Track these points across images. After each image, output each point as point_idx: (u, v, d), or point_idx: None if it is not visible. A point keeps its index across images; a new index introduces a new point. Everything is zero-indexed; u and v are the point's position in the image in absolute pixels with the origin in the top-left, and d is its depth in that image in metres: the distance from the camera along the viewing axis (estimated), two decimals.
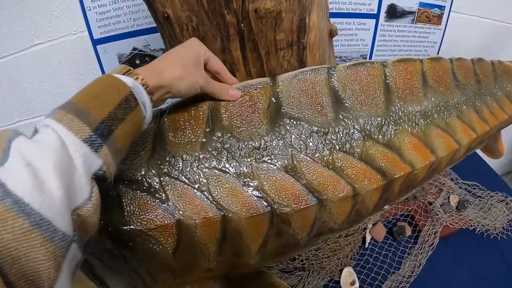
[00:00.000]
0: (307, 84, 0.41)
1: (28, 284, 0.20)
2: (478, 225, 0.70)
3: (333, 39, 0.54)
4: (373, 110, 0.43)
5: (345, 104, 0.42)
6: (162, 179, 0.36)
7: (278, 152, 0.38)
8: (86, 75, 0.75)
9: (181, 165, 0.37)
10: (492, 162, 0.84)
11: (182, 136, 0.38)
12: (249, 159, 0.38)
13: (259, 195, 0.36)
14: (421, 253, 0.65)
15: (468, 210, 0.73)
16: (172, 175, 0.36)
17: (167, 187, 0.36)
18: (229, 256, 0.39)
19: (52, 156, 0.23)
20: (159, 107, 0.40)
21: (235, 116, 0.39)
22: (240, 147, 0.38)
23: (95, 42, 0.70)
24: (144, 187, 0.36)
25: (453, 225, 0.69)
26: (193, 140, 0.38)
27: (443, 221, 0.69)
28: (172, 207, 0.35)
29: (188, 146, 0.38)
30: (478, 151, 0.66)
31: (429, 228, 0.68)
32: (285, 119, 0.40)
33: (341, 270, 0.61)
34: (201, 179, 0.36)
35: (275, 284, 0.47)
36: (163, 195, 0.36)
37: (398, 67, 0.45)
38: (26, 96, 0.76)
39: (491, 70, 0.54)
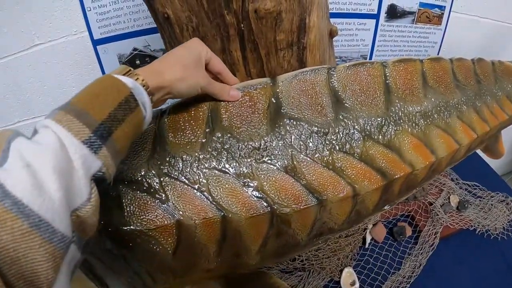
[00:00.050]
0: (307, 84, 0.41)
1: (27, 284, 0.20)
2: (478, 226, 0.70)
3: (333, 39, 0.54)
4: (373, 110, 0.43)
5: (345, 104, 0.42)
6: (162, 179, 0.36)
7: (278, 152, 0.38)
8: (86, 76, 0.75)
9: (181, 165, 0.37)
10: (492, 163, 0.84)
11: (182, 137, 0.38)
12: (249, 160, 0.38)
13: (259, 195, 0.36)
14: (422, 253, 0.65)
15: (469, 210, 0.73)
16: (172, 175, 0.36)
17: (167, 188, 0.36)
18: (229, 256, 0.39)
19: (51, 157, 0.23)
20: (159, 108, 0.40)
21: (235, 116, 0.39)
22: (240, 148, 0.38)
23: (96, 43, 0.70)
24: (144, 188, 0.36)
25: (454, 226, 0.69)
26: (193, 140, 0.38)
27: (443, 221, 0.69)
28: (172, 208, 0.35)
29: (188, 147, 0.38)
30: (479, 151, 0.66)
31: (429, 229, 0.68)
32: (285, 120, 0.40)
33: (341, 271, 0.61)
34: (201, 179, 0.36)
35: (275, 284, 0.47)
36: (163, 195, 0.36)
37: (398, 68, 0.45)
38: (26, 96, 0.76)
39: (491, 70, 0.54)
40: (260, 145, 0.38)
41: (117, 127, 0.28)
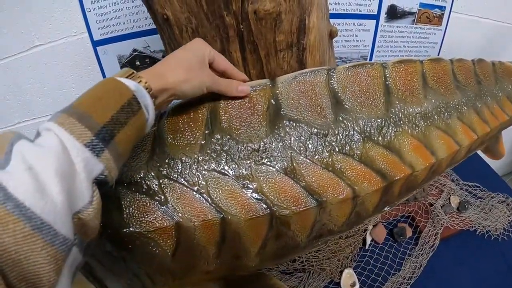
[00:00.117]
0: (306, 85, 0.41)
1: (29, 286, 0.21)
2: (479, 226, 0.70)
3: (333, 40, 0.54)
4: (373, 111, 0.42)
5: (345, 105, 0.42)
6: (161, 181, 0.36)
7: (277, 154, 0.38)
8: (86, 77, 0.75)
9: (180, 167, 0.37)
10: (493, 163, 0.84)
11: (181, 138, 0.38)
12: (248, 161, 0.37)
13: (258, 197, 0.36)
14: (422, 254, 0.64)
15: (469, 211, 0.72)
16: (171, 177, 0.36)
17: (166, 189, 0.36)
18: (228, 258, 0.38)
19: (53, 160, 0.23)
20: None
21: (234, 118, 0.39)
22: (239, 149, 0.38)
23: (95, 44, 0.70)
24: (143, 189, 0.36)
25: (454, 226, 0.69)
26: (192, 142, 0.38)
27: (443, 222, 0.69)
28: (171, 210, 0.35)
29: (187, 148, 0.37)
30: (479, 152, 0.66)
31: (429, 229, 0.68)
32: (284, 121, 0.40)
33: (341, 272, 0.61)
34: (200, 181, 0.36)
35: (274, 286, 0.47)
36: (162, 197, 0.36)
37: (398, 68, 0.45)
38: (26, 97, 0.76)
39: (491, 71, 0.54)
40: (260, 146, 0.38)
41: (120, 130, 0.28)
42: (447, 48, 0.92)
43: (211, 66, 0.39)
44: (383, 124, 0.42)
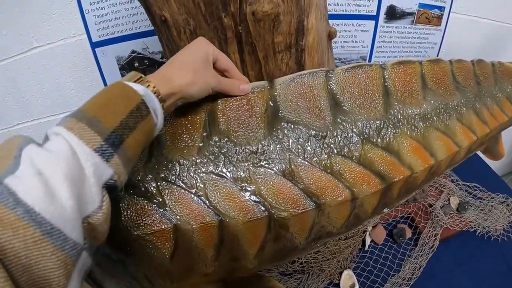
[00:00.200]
0: (305, 87, 0.41)
1: None
2: (478, 227, 0.70)
3: (333, 40, 0.54)
4: (371, 113, 0.42)
5: (344, 107, 0.42)
6: (159, 183, 0.36)
7: (275, 156, 0.38)
8: (85, 78, 0.75)
9: (178, 169, 0.36)
10: (492, 163, 0.84)
11: (179, 141, 0.38)
12: (246, 164, 0.37)
13: (257, 199, 0.36)
14: (422, 255, 0.64)
15: (469, 212, 0.72)
16: (169, 179, 0.36)
17: (164, 192, 0.36)
18: (227, 260, 0.38)
19: (63, 165, 0.23)
20: None
21: (232, 120, 0.39)
22: (237, 152, 0.38)
23: (94, 45, 0.70)
24: (141, 192, 0.36)
25: (454, 227, 0.69)
26: (190, 144, 0.38)
27: (443, 223, 0.68)
28: (169, 212, 0.35)
29: (185, 151, 0.37)
30: (479, 152, 0.65)
31: (429, 230, 0.68)
32: (282, 123, 0.40)
33: (340, 273, 0.61)
34: (198, 183, 0.36)
35: None
36: (160, 200, 0.35)
37: (397, 70, 0.45)
38: (25, 99, 0.76)
39: (491, 72, 0.54)
40: (258, 149, 0.38)
41: (129, 135, 0.28)
42: (446, 49, 0.92)
43: (214, 65, 0.39)
44: (382, 126, 0.42)
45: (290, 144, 0.39)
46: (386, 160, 0.41)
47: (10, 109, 0.77)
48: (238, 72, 0.41)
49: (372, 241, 0.67)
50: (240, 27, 0.42)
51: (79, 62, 0.73)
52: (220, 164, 0.37)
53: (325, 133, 0.40)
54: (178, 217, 0.35)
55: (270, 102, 0.40)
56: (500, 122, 0.51)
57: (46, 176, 0.22)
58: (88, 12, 0.67)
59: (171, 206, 0.35)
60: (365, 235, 0.67)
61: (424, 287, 0.61)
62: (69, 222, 0.22)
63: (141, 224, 0.35)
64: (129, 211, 0.35)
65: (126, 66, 0.74)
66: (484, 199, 0.76)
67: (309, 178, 0.38)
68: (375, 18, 0.81)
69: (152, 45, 0.73)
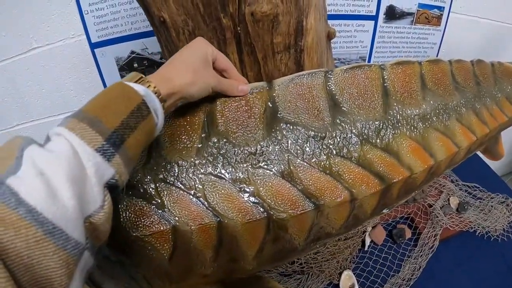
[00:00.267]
0: (303, 88, 0.41)
1: None
2: (478, 227, 0.70)
3: (332, 41, 0.54)
4: (371, 114, 0.42)
5: (343, 108, 0.42)
6: (157, 185, 0.36)
7: (274, 157, 0.38)
8: (84, 79, 0.75)
9: (176, 171, 0.36)
10: (492, 164, 0.84)
11: (178, 142, 0.38)
12: (245, 165, 0.37)
13: (255, 201, 0.36)
14: (421, 255, 0.64)
15: (469, 212, 0.72)
16: (168, 181, 0.36)
17: (163, 193, 0.36)
18: (226, 262, 0.38)
19: (64, 165, 0.23)
20: None
21: (231, 121, 0.39)
22: (236, 153, 0.38)
23: (93, 46, 0.70)
24: (140, 193, 0.36)
25: (453, 227, 0.69)
26: (188, 145, 0.38)
27: (443, 223, 0.68)
28: (168, 213, 0.35)
29: (183, 152, 0.37)
30: (478, 152, 0.65)
31: (429, 231, 0.68)
32: (281, 124, 0.40)
33: (340, 274, 0.61)
34: (196, 185, 0.36)
35: None
36: (159, 201, 0.35)
37: (396, 70, 0.45)
38: (24, 99, 0.76)
39: (490, 72, 0.53)
40: (256, 150, 0.38)
41: (130, 134, 0.28)
42: (446, 49, 0.92)
43: (212, 65, 0.39)
44: (381, 127, 0.42)
45: (289, 145, 0.39)
46: (385, 160, 0.41)
47: (9, 109, 0.77)
48: (236, 73, 0.41)
49: (371, 241, 0.67)
50: (239, 28, 0.42)
51: (79, 62, 0.73)
52: (219, 165, 0.37)
53: (324, 134, 0.40)
54: (176, 218, 0.35)
55: (269, 103, 0.40)
56: (499, 122, 0.51)
57: (48, 176, 0.22)
58: (87, 13, 0.67)
59: (169, 207, 0.35)
60: (365, 235, 0.67)
61: None
62: (71, 221, 0.22)
63: (140, 225, 0.35)
64: (127, 212, 0.35)
65: (125, 67, 0.74)
66: (484, 199, 0.76)
67: (308, 179, 0.38)
68: (375, 18, 0.81)
69: (151, 46, 0.73)
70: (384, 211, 0.46)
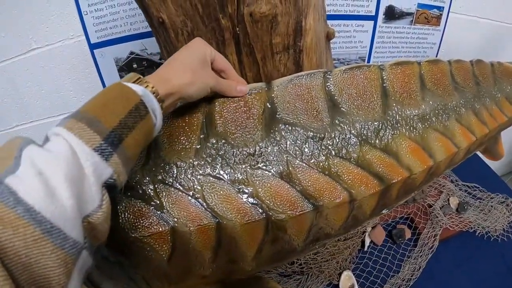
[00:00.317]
0: (302, 89, 0.41)
1: None
2: (478, 227, 0.70)
3: (331, 41, 0.54)
4: (370, 114, 0.42)
5: (342, 108, 0.42)
6: (156, 186, 0.36)
7: (273, 158, 0.38)
8: (83, 80, 0.75)
9: (175, 172, 0.36)
10: (492, 163, 0.84)
11: (177, 143, 0.38)
12: (243, 166, 0.37)
13: (254, 201, 0.36)
14: (421, 256, 0.64)
15: (468, 212, 0.72)
16: (167, 182, 0.36)
17: (162, 194, 0.36)
18: (225, 262, 0.38)
19: (63, 165, 0.23)
20: None
21: (229, 122, 0.39)
22: (234, 154, 0.38)
23: (92, 47, 0.70)
24: (139, 194, 0.36)
25: (453, 228, 0.69)
26: (187, 146, 0.38)
27: (443, 223, 0.68)
28: (166, 214, 0.35)
29: (182, 153, 0.37)
30: (478, 152, 0.65)
31: (429, 231, 0.68)
32: (280, 125, 0.40)
33: (340, 274, 0.61)
34: (195, 186, 0.36)
35: None
36: (158, 202, 0.35)
37: (395, 70, 0.45)
38: (24, 100, 0.76)
39: (490, 72, 0.53)
40: (255, 151, 0.38)
41: (128, 134, 0.28)
42: (445, 49, 0.92)
43: (211, 65, 0.39)
44: (380, 127, 0.42)
45: (288, 146, 0.39)
46: (384, 161, 0.41)
47: (9, 110, 0.77)
48: (235, 73, 0.41)
49: (371, 242, 0.67)
50: (237, 29, 0.42)
51: (78, 63, 0.73)
52: (218, 166, 0.37)
53: (323, 135, 0.40)
54: (175, 220, 0.35)
55: (268, 104, 0.40)
56: (499, 122, 0.51)
57: (46, 176, 0.22)
58: (87, 14, 0.67)
59: (168, 209, 0.35)
60: (364, 236, 0.67)
61: None
62: (69, 221, 0.22)
63: (139, 226, 0.35)
64: (126, 213, 0.35)
65: (124, 68, 0.74)
66: (483, 199, 0.76)
67: (307, 180, 0.38)
68: (374, 18, 0.81)
69: (151, 46, 0.72)
70: (383, 211, 0.46)
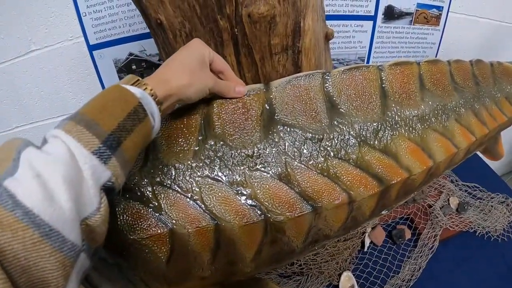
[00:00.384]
0: (301, 90, 0.41)
1: None
2: (478, 227, 0.70)
3: (331, 41, 0.54)
4: (369, 115, 0.42)
5: (340, 109, 0.42)
6: (154, 188, 0.36)
7: (271, 159, 0.38)
8: (82, 81, 0.75)
9: (173, 173, 0.36)
10: (492, 163, 0.84)
11: (175, 145, 0.38)
12: (242, 167, 0.37)
13: (253, 203, 0.36)
14: (421, 256, 0.64)
15: (468, 212, 0.72)
16: (165, 184, 0.36)
17: (160, 196, 0.36)
18: (223, 264, 0.38)
19: (61, 167, 0.23)
20: None
21: (227, 123, 0.39)
22: (233, 155, 0.38)
23: (91, 48, 0.70)
24: (137, 196, 0.36)
25: (453, 228, 0.68)
26: (185, 148, 0.38)
27: (443, 223, 0.68)
28: (165, 216, 0.35)
29: (180, 155, 0.37)
30: (478, 152, 0.65)
31: (429, 231, 0.68)
32: (278, 126, 0.39)
33: (340, 275, 0.61)
34: (193, 187, 0.36)
35: None
36: (156, 204, 0.35)
37: (394, 71, 0.45)
38: (23, 102, 0.76)
39: (490, 72, 0.53)
40: (253, 152, 0.38)
41: (126, 137, 0.28)
42: (445, 48, 0.92)
43: (209, 66, 0.39)
44: (379, 128, 0.42)
45: (286, 147, 0.39)
46: (383, 162, 0.40)
47: (8, 112, 0.77)
48: (233, 74, 0.41)
49: (371, 242, 0.67)
50: (236, 29, 0.42)
51: (77, 65, 0.73)
52: (216, 168, 0.37)
53: (321, 136, 0.40)
54: (174, 221, 0.35)
55: (266, 105, 0.40)
56: (499, 122, 0.51)
57: (44, 178, 0.22)
58: (85, 15, 0.67)
59: (167, 210, 0.35)
60: (364, 236, 0.67)
61: None
62: (68, 224, 0.22)
63: (137, 228, 0.35)
64: (125, 215, 0.35)
65: (123, 69, 0.74)
66: (483, 199, 0.76)
67: (305, 182, 0.38)
68: (373, 18, 0.81)
69: (150, 48, 0.72)
70: (383, 212, 0.46)
